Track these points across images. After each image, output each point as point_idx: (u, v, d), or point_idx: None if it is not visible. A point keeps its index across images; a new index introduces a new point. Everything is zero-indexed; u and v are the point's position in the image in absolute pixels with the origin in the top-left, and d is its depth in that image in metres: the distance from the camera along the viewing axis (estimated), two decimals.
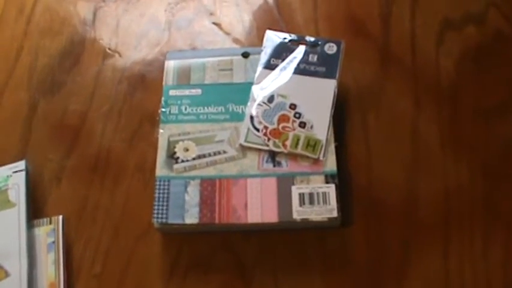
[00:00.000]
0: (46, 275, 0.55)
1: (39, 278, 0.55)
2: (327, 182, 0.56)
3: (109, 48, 0.69)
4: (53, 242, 0.57)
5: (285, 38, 0.63)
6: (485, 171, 0.58)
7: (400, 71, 0.65)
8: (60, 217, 0.58)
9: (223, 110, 0.61)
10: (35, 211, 0.59)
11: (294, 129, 0.59)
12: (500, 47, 0.65)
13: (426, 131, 0.61)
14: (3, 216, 0.58)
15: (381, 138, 0.61)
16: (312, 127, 0.58)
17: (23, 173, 0.60)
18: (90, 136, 0.63)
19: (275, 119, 0.59)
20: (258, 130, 0.59)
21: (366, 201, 0.58)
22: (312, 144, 0.58)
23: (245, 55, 0.64)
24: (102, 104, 0.65)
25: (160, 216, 0.55)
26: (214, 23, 0.70)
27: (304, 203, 0.55)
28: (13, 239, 0.56)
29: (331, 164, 0.57)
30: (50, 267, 0.56)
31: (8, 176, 0.60)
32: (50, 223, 0.58)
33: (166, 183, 0.57)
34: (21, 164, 0.61)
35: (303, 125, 0.59)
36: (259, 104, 0.60)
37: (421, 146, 0.60)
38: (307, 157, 0.57)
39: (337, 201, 0.55)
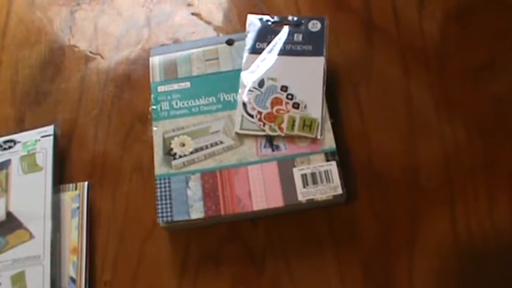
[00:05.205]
0: (69, 240, 0.56)
1: (62, 242, 0.56)
2: (327, 160, 0.56)
3: (90, 52, 0.68)
4: (78, 208, 0.58)
5: (267, 21, 0.62)
6: (480, 129, 0.58)
7: (385, 40, 0.64)
8: (86, 183, 0.59)
9: (214, 100, 0.60)
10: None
11: (288, 111, 0.58)
12: (480, 4, 0.65)
13: (418, 96, 0.61)
14: (30, 179, 0.58)
15: (375, 110, 0.61)
16: (305, 107, 0.58)
17: (51, 138, 0.60)
18: (83, 142, 0.62)
19: (268, 103, 0.59)
20: (252, 116, 0.58)
21: (367, 174, 0.57)
22: (308, 124, 0.57)
23: (229, 42, 0.63)
24: (90, 109, 0.64)
25: (165, 215, 0.55)
26: (193, 14, 0.69)
27: (307, 184, 0.55)
28: (39, 202, 0.57)
29: (329, 141, 0.57)
30: (74, 232, 0.57)
31: (36, 140, 0.60)
32: (76, 189, 0.59)
33: (166, 180, 0.56)
34: (49, 129, 0.61)
35: (296, 105, 0.58)
36: (250, 90, 0.59)
37: (415, 113, 0.60)
38: (305, 137, 0.57)
39: (340, 178, 0.55)
